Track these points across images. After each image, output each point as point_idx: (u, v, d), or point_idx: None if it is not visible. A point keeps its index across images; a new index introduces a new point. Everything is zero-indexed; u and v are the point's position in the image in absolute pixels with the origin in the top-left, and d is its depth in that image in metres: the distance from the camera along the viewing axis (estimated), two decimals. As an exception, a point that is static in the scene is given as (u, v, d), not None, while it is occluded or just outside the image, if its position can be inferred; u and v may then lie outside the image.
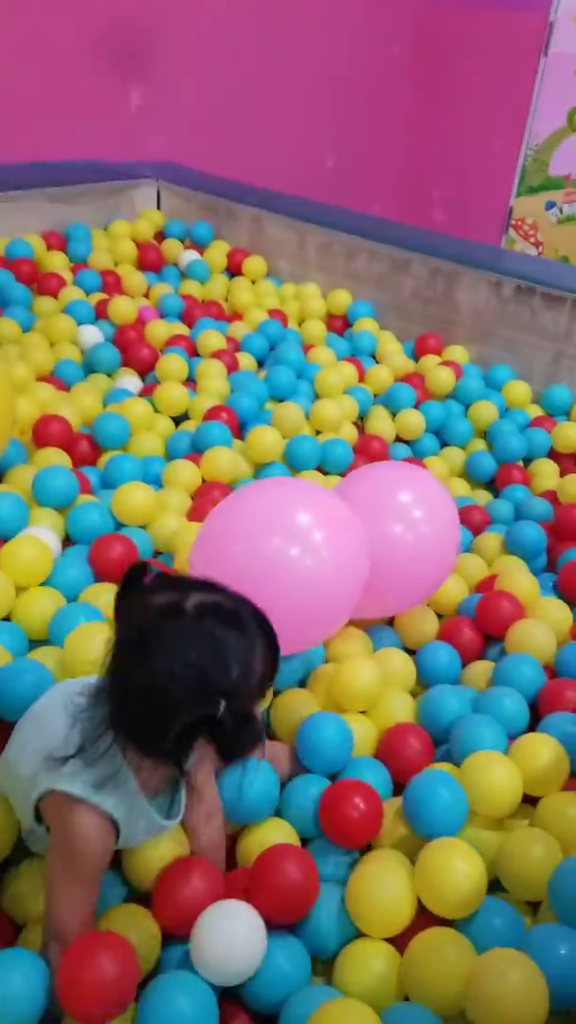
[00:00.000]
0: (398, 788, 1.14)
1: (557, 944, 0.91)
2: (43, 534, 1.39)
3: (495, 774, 1.08)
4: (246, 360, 2.23)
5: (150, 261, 2.68)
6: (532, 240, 4.25)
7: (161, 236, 2.83)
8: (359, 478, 1.44)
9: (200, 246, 2.81)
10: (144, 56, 3.07)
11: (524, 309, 2.33)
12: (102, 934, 0.81)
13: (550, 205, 4.14)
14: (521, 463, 2.08)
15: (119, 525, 1.53)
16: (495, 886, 1.03)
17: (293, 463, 1.80)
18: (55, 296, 2.34)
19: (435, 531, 1.34)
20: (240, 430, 1.89)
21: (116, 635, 0.81)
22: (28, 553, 1.32)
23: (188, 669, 0.76)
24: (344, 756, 1.14)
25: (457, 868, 0.96)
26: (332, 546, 1.15)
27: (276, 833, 1.05)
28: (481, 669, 1.39)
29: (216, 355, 2.15)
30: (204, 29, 3.18)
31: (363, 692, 1.22)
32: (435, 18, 4.17)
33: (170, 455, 1.81)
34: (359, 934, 0.98)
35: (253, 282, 2.70)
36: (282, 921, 0.94)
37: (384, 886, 0.96)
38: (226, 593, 0.83)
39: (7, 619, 1.28)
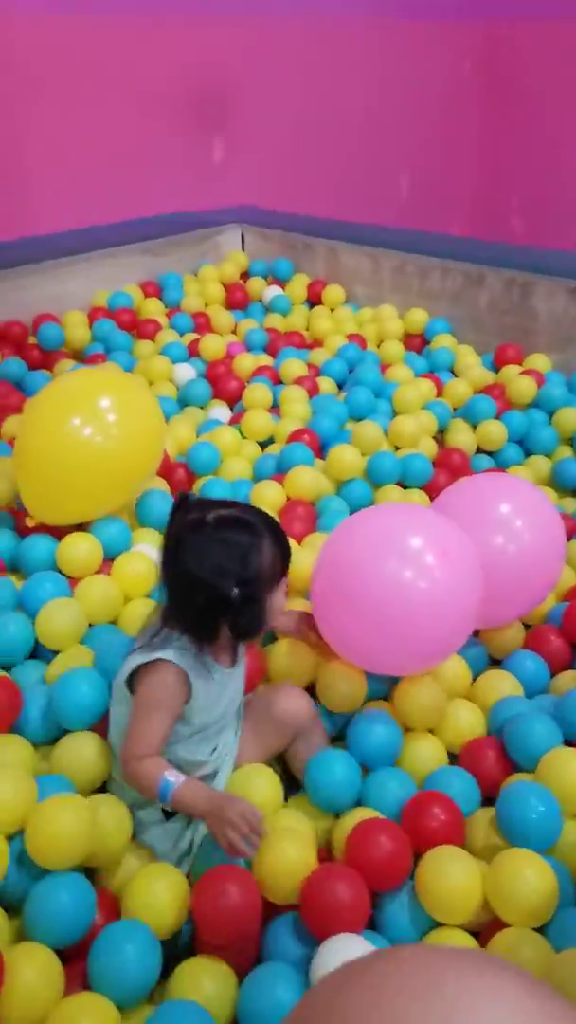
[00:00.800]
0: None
1: None
2: (147, 550, 1.53)
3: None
4: (326, 384, 2.33)
5: (237, 300, 2.88)
6: (620, 241, 4.18)
7: (246, 275, 3.02)
8: (459, 491, 1.44)
9: (281, 281, 2.97)
10: (224, 107, 3.27)
11: (604, 312, 2.33)
12: (230, 867, 0.97)
13: None
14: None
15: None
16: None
17: (374, 479, 1.88)
18: (152, 339, 2.55)
19: (540, 542, 1.35)
20: (322, 450, 1.98)
21: (164, 548, 1.06)
22: (136, 568, 1.48)
23: (207, 562, 1.01)
24: (352, 794, 1.15)
25: (527, 878, 0.97)
26: (450, 569, 1.17)
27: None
28: (570, 678, 1.38)
29: (298, 381, 2.27)
30: (279, 74, 3.34)
31: (424, 713, 1.25)
32: (503, 31, 4.21)
33: (257, 477, 1.93)
34: (437, 924, 1.03)
35: (332, 310, 2.82)
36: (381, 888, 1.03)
37: (451, 873, 1.00)
38: (240, 507, 1.09)
39: (114, 623, 1.43)
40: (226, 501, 1.11)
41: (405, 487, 1.91)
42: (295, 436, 1.98)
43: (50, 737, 1.21)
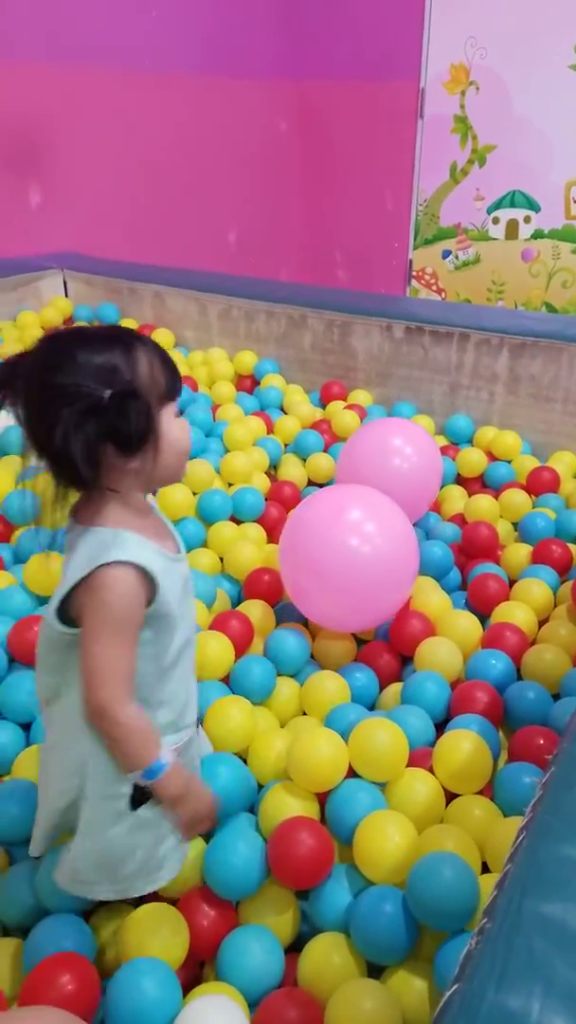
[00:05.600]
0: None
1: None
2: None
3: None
4: (157, 426, 2.31)
5: (60, 345, 2.78)
6: (434, 288, 4.46)
7: (70, 321, 2.95)
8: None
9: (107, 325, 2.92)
10: (39, 154, 3.22)
11: (416, 348, 2.46)
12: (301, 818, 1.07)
13: (446, 254, 4.36)
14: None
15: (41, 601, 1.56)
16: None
17: (205, 516, 1.86)
18: (-33, 388, 2.42)
19: (424, 462, 1.83)
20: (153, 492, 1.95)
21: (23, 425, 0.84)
22: None
23: (68, 367, 0.81)
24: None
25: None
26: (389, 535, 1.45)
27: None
28: (395, 691, 1.44)
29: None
30: (97, 123, 3.34)
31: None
32: (316, 93, 4.43)
33: (84, 523, 1.86)
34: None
35: (161, 354, 2.80)
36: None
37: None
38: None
39: None
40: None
41: (239, 521, 1.91)
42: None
43: None
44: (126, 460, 0.85)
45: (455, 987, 0.61)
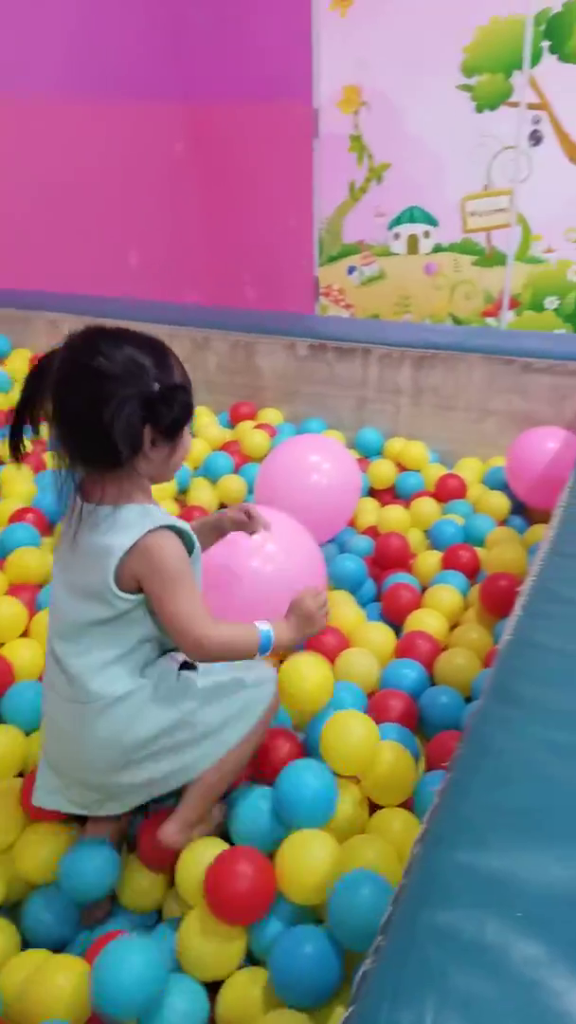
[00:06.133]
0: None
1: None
2: None
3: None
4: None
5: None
6: (343, 304, 4.52)
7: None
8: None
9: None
10: None
11: (321, 364, 2.48)
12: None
13: (351, 270, 4.43)
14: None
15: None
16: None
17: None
18: None
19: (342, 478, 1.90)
20: (50, 528, 1.90)
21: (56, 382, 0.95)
22: None
23: (120, 357, 0.94)
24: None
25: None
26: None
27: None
28: None
29: (23, 458, 2.17)
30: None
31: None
32: (210, 115, 4.46)
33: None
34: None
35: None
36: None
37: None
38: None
39: None
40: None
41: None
42: (17, 516, 1.89)
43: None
44: (156, 447, 0.99)
45: (351, 1008, 0.60)
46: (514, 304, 4.03)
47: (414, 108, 4.02)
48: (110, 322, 2.76)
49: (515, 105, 3.82)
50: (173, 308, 2.82)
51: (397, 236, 4.26)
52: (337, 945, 0.97)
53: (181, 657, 1.08)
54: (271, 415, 2.53)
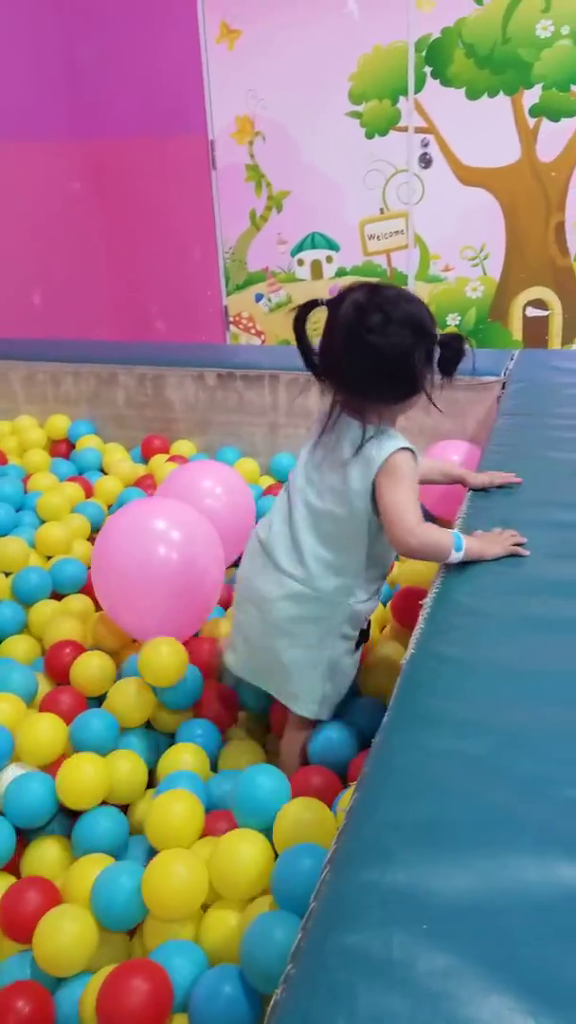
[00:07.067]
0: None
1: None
2: None
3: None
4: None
5: None
6: (253, 331, 4.57)
7: None
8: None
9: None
10: None
11: (231, 393, 2.50)
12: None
13: (259, 297, 4.48)
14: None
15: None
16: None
17: (22, 598, 1.78)
18: None
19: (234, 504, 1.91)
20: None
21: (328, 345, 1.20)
22: None
23: (412, 308, 1.18)
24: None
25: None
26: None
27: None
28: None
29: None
30: None
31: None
32: (107, 151, 4.47)
33: None
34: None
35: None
36: None
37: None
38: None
39: None
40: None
41: (59, 596, 1.84)
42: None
43: None
44: (424, 387, 1.21)
45: (263, 1043, 0.60)
46: (418, 321, 4.13)
47: (307, 136, 4.12)
48: (12, 364, 2.71)
49: (404, 130, 3.95)
50: (77, 345, 2.80)
51: (301, 262, 4.34)
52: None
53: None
54: (184, 447, 2.53)
